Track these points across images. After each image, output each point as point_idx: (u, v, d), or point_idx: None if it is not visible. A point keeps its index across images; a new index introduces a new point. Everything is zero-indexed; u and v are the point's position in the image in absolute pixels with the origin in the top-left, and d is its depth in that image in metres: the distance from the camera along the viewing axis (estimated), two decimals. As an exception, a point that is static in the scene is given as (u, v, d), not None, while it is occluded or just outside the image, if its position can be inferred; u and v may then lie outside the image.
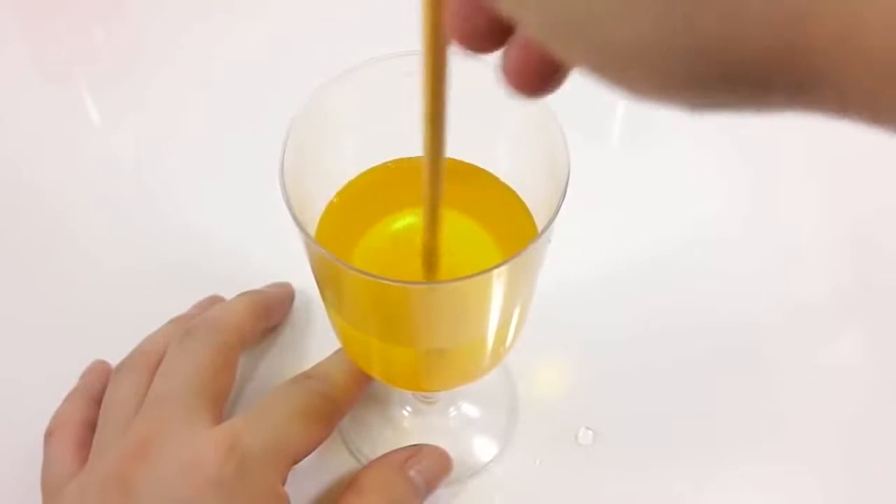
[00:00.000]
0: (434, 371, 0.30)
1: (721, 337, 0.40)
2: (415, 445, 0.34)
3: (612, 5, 0.13)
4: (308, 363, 0.35)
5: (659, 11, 0.13)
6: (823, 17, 0.12)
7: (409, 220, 0.29)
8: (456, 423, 0.38)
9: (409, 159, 0.29)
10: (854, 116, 0.13)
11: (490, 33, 0.17)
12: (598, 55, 0.14)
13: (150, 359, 0.34)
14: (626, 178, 0.45)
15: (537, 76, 0.18)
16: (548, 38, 0.15)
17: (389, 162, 0.29)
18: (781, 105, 0.14)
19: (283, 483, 0.30)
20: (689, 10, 0.13)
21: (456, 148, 0.27)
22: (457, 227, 0.28)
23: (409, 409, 0.38)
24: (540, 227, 0.27)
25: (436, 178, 0.22)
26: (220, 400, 0.32)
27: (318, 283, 0.27)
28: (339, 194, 0.29)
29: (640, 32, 0.13)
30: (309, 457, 0.31)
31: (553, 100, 0.25)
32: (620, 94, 0.15)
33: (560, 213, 0.23)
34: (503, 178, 0.28)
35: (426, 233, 0.24)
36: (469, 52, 0.18)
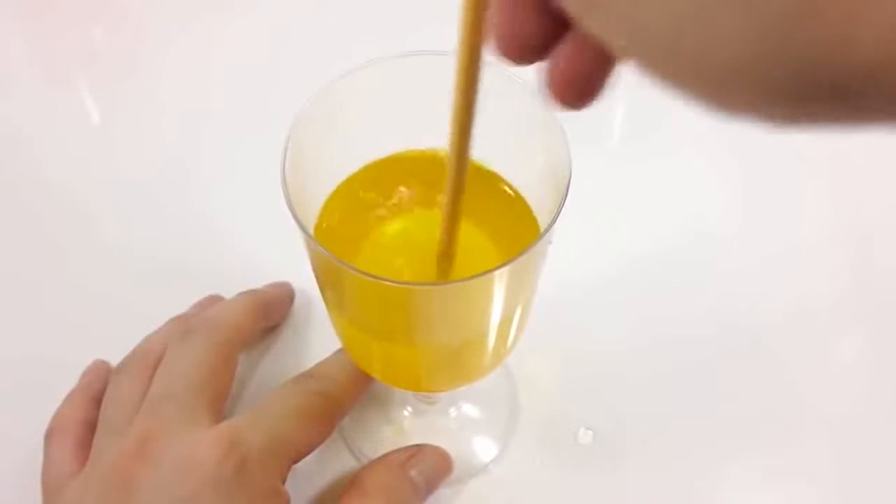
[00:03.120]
0: (435, 372, 0.30)
1: (721, 338, 0.40)
2: (415, 445, 0.34)
3: (713, 27, 0.13)
4: (308, 363, 0.35)
5: (763, 28, 0.13)
6: None
7: (410, 220, 0.29)
8: (456, 423, 0.38)
9: (411, 156, 0.29)
10: None
11: (538, 42, 0.17)
12: (697, 75, 0.14)
13: (150, 358, 0.34)
14: (626, 179, 0.45)
15: (586, 86, 0.18)
16: (640, 58, 0.15)
17: (391, 159, 0.29)
18: (879, 117, 0.14)
19: (283, 482, 0.30)
20: (793, 27, 0.13)
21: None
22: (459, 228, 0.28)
23: (409, 409, 0.38)
24: (541, 227, 0.27)
25: (458, 186, 0.22)
26: (220, 399, 0.32)
27: (318, 282, 0.27)
28: (340, 194, 0.29)
29: (742, 50, 0.13)
30: (309, 457, 0.31)
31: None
32: (706, 109, 0.15)
33: (561, 213, 0.23)
34: (505, 179, 0.28)
35: (443, 236, 0.24)
36: (509, 61, 0.18)
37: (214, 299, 0.39)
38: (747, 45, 0.13)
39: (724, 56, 0.13)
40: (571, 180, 0.23)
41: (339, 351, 0.34)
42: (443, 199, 0.23)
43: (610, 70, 0.17)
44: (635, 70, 0.15)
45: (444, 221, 0.24)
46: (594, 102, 0.18)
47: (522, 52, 0.18)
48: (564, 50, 0.17)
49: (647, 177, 0.45)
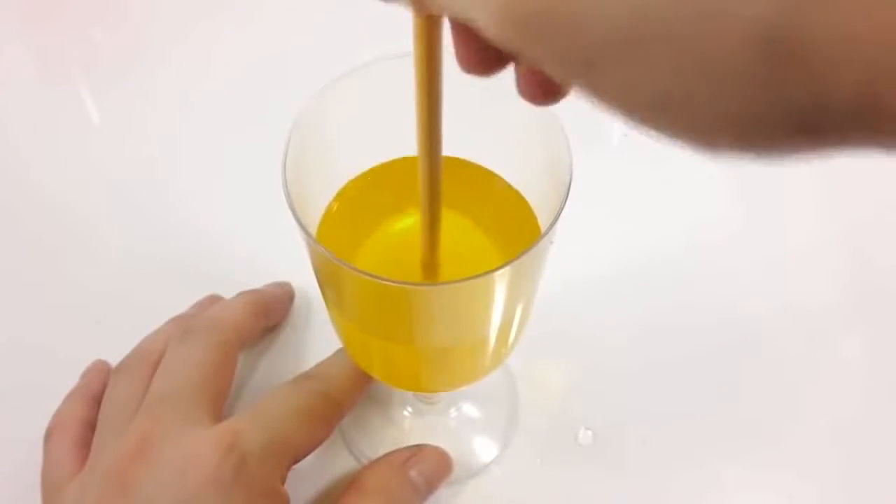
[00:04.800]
0: (435, 372, 0.30)
1: (721, 338, 0.40)
2: (415, 446, 0.34)
3: (702, 84, 0.14)
4: (308, 363, 0.35)
5: (750, 88, 0.14)
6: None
7: (411, 220, 0.29)
8: (456, 423, 0.38)
9: (412, 158, 0.29)
10: None
11: (496, 59, 0.18)
12: (685, 125, 0.15)
13: (150, 358, 0.34)
14: (626, 178, 0.45)
15: (552, 86, 0.18)
16: (623, 107, 0.15)
17: (392, 161, 0.29)
18: (855, 147, 0.15)
19: (283, 482, 0.30)
20: (782, 85, 0.13)
21: (459, 148, 0.27)
22: (459, 227, 0.28)
23: (409, 409, 0.38)
24: (542, 227, 0.27)
25: (433, 175, 0.23)
26: (220, 399, 0.32)
27: (319, 283, 0.27)
28: (341, 194, 0.29)
29: (727, 101, 0.14)
30: (309, 457, 0.31)
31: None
32: (685, 146, 0.15)
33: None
34: (506, 179, 0.28)
35: (424, 235, 0.24)
36: (472, 75, 0.18)
37: (214, 299, 0.39)
38: (726, 104, 0.14)
39: (712, 114, 0.14)
40: (572, 180, 0.23)
41: (339, 351, 0.34)
42: (420, 210, 0.24)
43: None
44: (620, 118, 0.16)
45: (424, 232, 0.24)
46: (565, 97, 0.19)
47: (482, 68, 0.18)
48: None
49: (647, 176, 0.45)
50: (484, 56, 0.18)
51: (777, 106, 0.14)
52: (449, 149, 0.22)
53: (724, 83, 0.14)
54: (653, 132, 0.16)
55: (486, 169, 0.28)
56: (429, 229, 0.24)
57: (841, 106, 0.13)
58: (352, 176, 0.29)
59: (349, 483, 0.32)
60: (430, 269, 0.25)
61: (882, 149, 0.14)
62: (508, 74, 0.19)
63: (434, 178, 0.23)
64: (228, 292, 0.38)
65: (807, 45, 0.13)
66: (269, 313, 0.38)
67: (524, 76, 0.18)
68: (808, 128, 0.14)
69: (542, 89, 0.18)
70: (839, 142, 0.14)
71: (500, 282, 0.23)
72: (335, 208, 0.28)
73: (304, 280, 0.40)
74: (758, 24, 0.13)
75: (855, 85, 0.13)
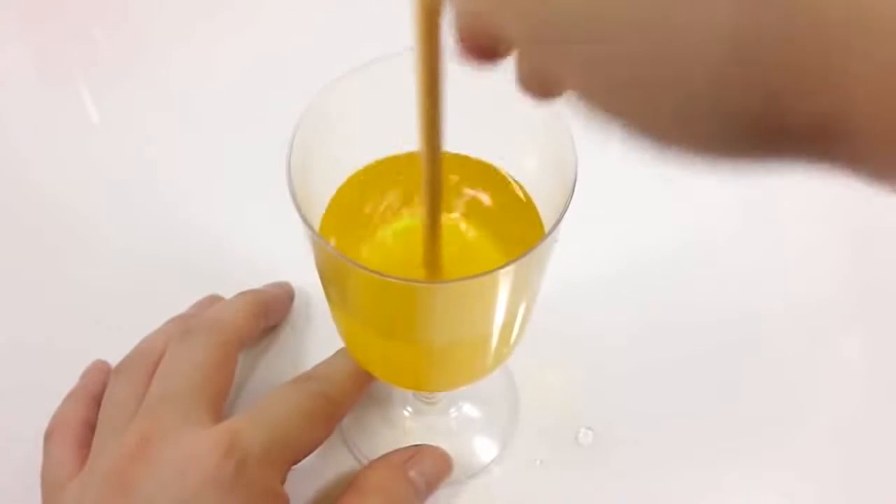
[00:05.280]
0: (437, 370, 0.30)
1: (721, 338, 0.40)
2: (415, 446, 0.34)
3: (665, 74, 0.14)
4: (308, 363, 0.35)
5: (694, 94, 0.14)
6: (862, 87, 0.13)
7: (415, 217, 0.29)
8: (456, 423, 0.38)
9: (416, 155, 0.29)
10: (869, 171, 0.15)
11: (498, 50, 0.18)
12: (644, 119, 0.15)
13: (150, 359, 0.34)
14: (626, 177, 0.45)
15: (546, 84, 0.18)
16: (587, 96, 0.16)
17: (396, 157, 0.29)
18: (809, 160, 0.15)
19: (283, 483, 0.30)
20: (720, 93, 0.14)
21: (463, 146, 0.27)
22: (462, 225, 0.28)
23: (409, 409, 0.38)
24: (546, 226, 0.27)
25: (434, 170, 0.23)
26: (220, 399, 0.32)
27: (322, 280, 0.27)
28: (345, 192, 0.29)
29: (690, 101, 0.14)
30: (309, 457, 0.31)
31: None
32: (642, 147, 0.16)
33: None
34: (510, 177, 0.28)
35: (425, 232, 0.24)
36: (472, 64, 0.19)
37: (214, 299, 0.39)
38: (696, 101, 0.14)
39: (672, 108, 0.15)
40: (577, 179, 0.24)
41: (340, 351, 0.34)
42: (421, 212, 0.24)
43: None
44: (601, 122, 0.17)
45: (425, 230, 0.24)
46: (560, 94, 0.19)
47: (483, 56, 0.18)
48: None
49: (646, 176, 0.45)
50: (480, 43, 0.18)
51: (721, 117, 0.14)
52: (453, 146, 0.22)
53: (674, 98, 0.14)
54: (619, 129, 0.16)
55: (490, 167, 0.28)
56: (430, 227, 0.24)
57: (804, 121, 0.14)
58: (355, 174, 0.29)
59: (349, 483, 0.32)
60: (432, 267, 0.25)
61: (849, 168, 0.15)
62: (510, 74, 0.19)
63: (435, 173, 0.23)
64: (228, 292, 0.38)
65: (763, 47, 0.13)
66: (269, 313, 0.38)
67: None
68: (750, 136, 0.14)
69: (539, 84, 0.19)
70: (798, 154, 0.15)
71: (505, 280, 0.23)
72: (338, 206, 0.28)
73: (305, 280, 0.40)
74: (725, 25, 0.13)
75: (815, 107, 0.13)
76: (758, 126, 0.14)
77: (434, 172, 0.23)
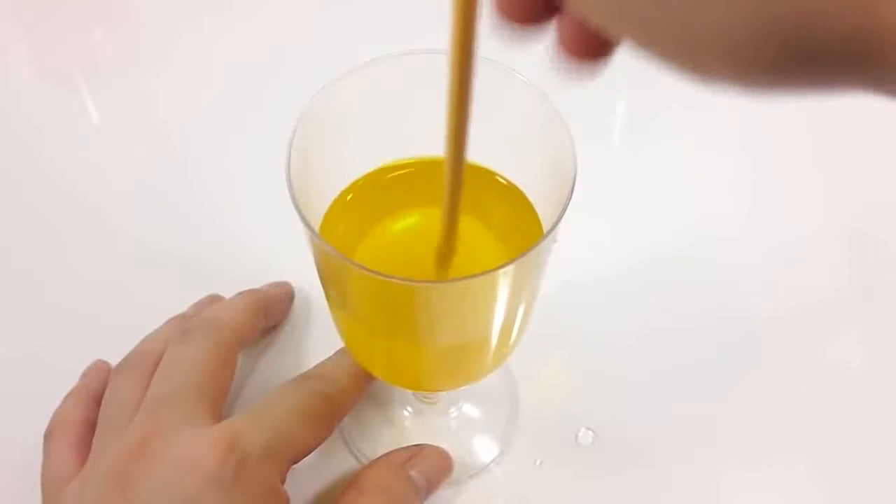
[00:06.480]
0: (437, 370, 0.30)
1: (722, 337, 0.40)
2: (416, 445, 0.34)
3: (697, 8, 0.14)
4: (308, 363, 0.35)
5: (739, 7, 0.14)
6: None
7: (414, 218, 0.29)
8: (457, 423, 0.38)
9: (416, 160, 0.29)
10: None
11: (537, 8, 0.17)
12: (676, 44, 0.15)
13: (150, 358, 0.34)
14: (627, 176, 0.45)
15: (596, 44, 0.17)
16: (617, 26, 0.15)
17: (395, 161, 0.29)
18: (848, 86, 0.15)
19: (283, 482, 0.30)
20: (766, 4, 0.13)
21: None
22: (462, 226, 0.28)
23: (409, 409, 0.38)
24: (545, 226, 0.27)
25: (456, 180, 0.22)
26: (219, 399, 0.32)
27: (322, 280, 0.27)
28: (344, 192, 0.29)
29: (720, 21, 0.14)
30: (309, 457, 0.31)
31: (554, 98, 0.25)
32: (683, 77, 0.15)
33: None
34: (509, 178, 0.28)
35: (444, 231, 0.24)
36: (511, 25, 0.18)
37: (214, 299, 0.39)
38: (727, 20, 0.14)
39: (704, 30, 0.14)
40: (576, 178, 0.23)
41: (340, 351, 0.34)
42: (442, 198, 0.23)
43: None
44: (623, 43, 0.16)
45: (444, 219, 0.24)
46: (609, 58, 0.18)
47: (523, 12, 0.17)
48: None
49: (646, 175, 0.46)
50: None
51: (774, 24, 0.14)
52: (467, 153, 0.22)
53: (717, 8, 0.14)
54: (649, 55, 0.15)
55: (487, 167, 0.28)
56: (448, 218, 0.24)
57: (837, 36, 0.13)
58: (355, 174, 0.29)
59: (349, 483, 0.32)
60: (445, 259, 0.25)
61: (876, 87, 0.14)
62: (509, 79, 0.19)
63: (459, 155, 0.22)
64: (228, 292, 0.38)
65: None
66: (269, 313, 0.38)
67: (568, 26, 0.18)
68: (800, 54, 0.14)
69: (587, 44, 0.17)
70: (833, 76, 0.14)
71: (504, 280, 0.23)
72: (338, 206, 0.28)
73: (305, 280, 0.40)
74: None
75: (843, 21, 0.13)
76: (793, 43, 0.14)
77: (458, 157, 0.22)
